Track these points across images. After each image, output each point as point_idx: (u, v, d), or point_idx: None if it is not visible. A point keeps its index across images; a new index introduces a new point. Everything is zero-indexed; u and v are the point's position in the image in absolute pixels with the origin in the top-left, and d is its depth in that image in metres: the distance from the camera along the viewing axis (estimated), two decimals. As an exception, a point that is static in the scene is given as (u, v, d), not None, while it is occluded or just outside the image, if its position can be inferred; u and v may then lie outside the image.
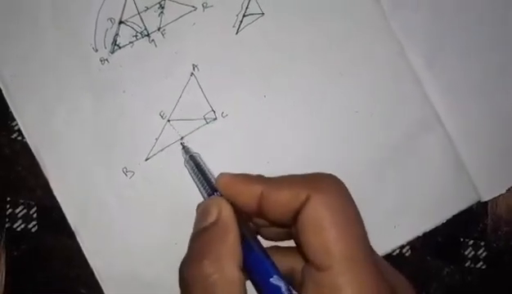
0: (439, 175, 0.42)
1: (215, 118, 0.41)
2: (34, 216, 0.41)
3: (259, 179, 0.33)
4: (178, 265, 0.40)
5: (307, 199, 0.30)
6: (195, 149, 0.41)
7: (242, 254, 0.31)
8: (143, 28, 0.41)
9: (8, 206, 0.41)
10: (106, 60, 0.41)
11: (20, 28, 0.41)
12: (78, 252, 0.40)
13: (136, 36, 0.41)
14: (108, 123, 0.41)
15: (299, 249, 0.31)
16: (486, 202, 0.43)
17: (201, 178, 0.37)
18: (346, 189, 0.32)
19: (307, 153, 0.42)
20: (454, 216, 0.42)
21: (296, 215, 0.31)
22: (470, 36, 0.42)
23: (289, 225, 0.32)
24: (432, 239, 0.42)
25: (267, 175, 0.40)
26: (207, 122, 0.41)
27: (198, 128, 0.41)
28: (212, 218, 0.32)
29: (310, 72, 0.42)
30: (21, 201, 0.41)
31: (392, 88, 0.42)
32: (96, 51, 0.41)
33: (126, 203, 0.41)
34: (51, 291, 0.41)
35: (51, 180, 0.41)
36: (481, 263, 0.43)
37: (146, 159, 0.41)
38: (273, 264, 0.32)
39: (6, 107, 0.41)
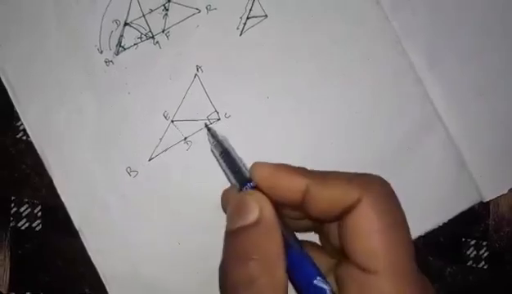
0: (441, 176, 0.42)
1: (218, 119, 0.42)
2: (39, 214, 0.42)
3: (305, 172, 0.32)
4: (182, 264, 0.41)
5: (359, 200, 0.29)
6: (198, 149, 0.41)
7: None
8: (148, 30, 0.42)
9: (13, 205, 0.41)
10: (111, 61, 0.42)
11: (25, 29, 0.41)
12: (82, 251, 0.41)
13: (140, 38, 0.42)
14: (112, 124, 0.41)
15: (341, 247, 0.31)
16: (488, 202, 0.43)
17: (232, 166, 0.35)
18: (394, 193, 0.31)
19: (309, 154, 0.42)
20: (456, 216, 0.42)
21: (343, 213, 0.30)
22: (471, 36, 0.43)
23: (330, 221, 0.31)
24: (434, 239, 0.42)
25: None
26: (210, 123, 0.42)
27: (201, 129, 0.42)
28: (253, 216, 0.30)
29: (312, 73, 0.42)
30: (26, 200, 0.42)
31: (394, 89, 0.42)
32: (101, 52, 0.42)
33: (130, 203, 0.41)
34: (54, 289, 0.41)
35: (56, 180, 0.41)
36: (483, 263, 0.43)
37: (150, 159, 0.41)
38: (315, 265, 0.31)
39: (12, 107, 0.41)
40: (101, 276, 0.41)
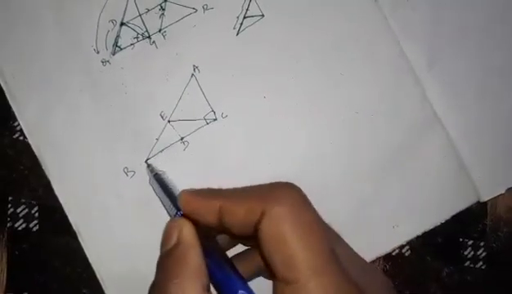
0: (439, 176, 0.42)
1: (215, 119, 0.42)
2: (36, 215, 0.42)
3: (218, 192, 0.32)
4: (178, 264, 0.41)
5: (263, 214, 0.29)
6: (194, 149, 0.41)
7: (207, 272, 0.30)
8: (144, 29, 0.42)
9: (10, 205, 0.41)
10: (108, 61, 0.42)
11: (23, 29, 0.41)
12: (79, 252, 0.41)
13: (137, 37, 0.42)
14: (109, 124, 0.41)
15: (265, 264, 0.30)
16: (485, 203, 0.42)
17: (166, 198, 0.37)
18: (303, 197, 0.30)
19: (308, 154, 0.42)
20: (454, 216, 0.42)
21: (256, 229, 0.29)
22: (471, 37, 0.43)
23: (252, 239, 0.31)
24: (431, 239, 0.42)
25: (267, 175, 0.40)
26: (207, 123, 0.42)
27: (198, 129, 0.42)
28: (173, 240, 0.31)
29: (310, 73, 0.42)
30: (23, 200, 0.42)
31: (393, 89, 0.42)
32: (98, 52, 0.42)
33: (127, 203, 0.41)
34: (51, 290, 0.41)
35: (53, 180, 0.41)
36: (480, 263, 0.43)
37: (147, 159, 0.41)
38: (240, 277, 0.30)
39: (9, 107, 0.41)
40: (98, 276, 0.41)
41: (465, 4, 0.43)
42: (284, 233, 0.28)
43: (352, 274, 0.29)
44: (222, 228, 0.32)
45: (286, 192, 0.30)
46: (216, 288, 0.31)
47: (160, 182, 0.37)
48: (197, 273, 0.30)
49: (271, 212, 0.29)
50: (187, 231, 0.31)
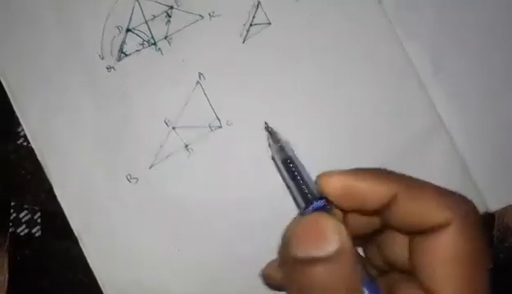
0: (444, 184, 0.41)
1: (220, 126, 0.42)
2: (38, 220, 0.41)
3: (392, 177, 0.29)
4: (181, 271, 0.41)
5: (448, 223, 0.27)
6: (199, 156, 0.41)
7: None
8: (150, 36, 0.42)
9: (12, 210, 0.41)
10: (113, 67, 0.41)
11: (27, 35, 0.41)
12: (81, 258, 0.40)
13: (142, 44, 0.42)
14: (113, 130, 0.41)
15: (407, 261, 0.29)
16: (493, 213, 0.42)
17: (296, 179, 0.31)
18: (480, 218, 0.29)
19: (313, 161, 0.41)
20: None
21: (427, 230, 0.28)
22: (476, 41, 0.42)
23: (411, 234, 0.29)
24: None
25: (271, 183, 0.40)
26: (212, 130, 0.41)
27: (203, 136, 0.41)
28: (332, 248, 0.26)
29: (316, 81, 0.42)
30: (25, 206, 0.41)
31: (397, 92, 0.42)
32: (103, 58, 0.41)
33: (129, 210, 0.41)
34: (53, 296, 0.41)
35: (56, 186, 0.41)
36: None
37: (151, 166, 0.41)
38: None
39: (12, 113, 0.41)
40: (100, 282, 0.40)
41: (471, 8, 0.42)
42: (458, 251, 0.27)
43: None
44: (375, 214, 0.29)
45: (471, 209, 0.28)
46: None
47: (287, 156, 0.32)
48: (361, 290, 0.27)
49: (457, 225, 0.27)
50: (349, 241, 0.26)
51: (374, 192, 0.28)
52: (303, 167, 0.31)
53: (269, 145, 0.34)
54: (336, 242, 0.26)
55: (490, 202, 0.41)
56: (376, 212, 0.29)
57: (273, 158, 0.33)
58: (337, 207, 0.28)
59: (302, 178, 0.30)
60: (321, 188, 0.29)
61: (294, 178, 0.30)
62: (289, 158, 0.31)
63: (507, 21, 0.43)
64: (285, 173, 0.31)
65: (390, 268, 0.31)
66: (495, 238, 0.43)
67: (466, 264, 0.27)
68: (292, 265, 0.27)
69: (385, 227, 0.30)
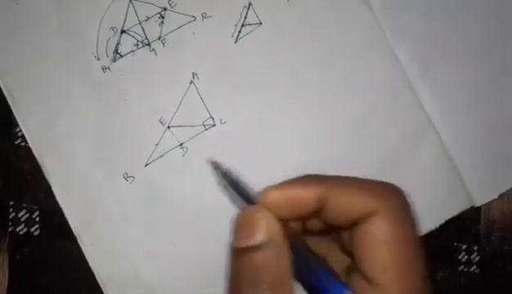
0: (433, 181, 0.42)
1: (214, 125, 0.42)
2: (37, 220, 0.42)
3: (320, 179, 0.30)
4: (178, 267, 0.41)
5: (375, 211, 0.28)
6: (193, 155, 0.42)
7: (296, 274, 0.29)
8: (144, 37, 0.42)
9: (11, 210, 0.42)
10: (108, 68, 0.42)
11: (24, 36, 0.42)
12: (80, 256, 0.41)
13: (137, 45, 0.42)
14: (109, 129, 0.42)
15: (352, 256, 0.30)
16: (479, 208, 0.43)
17: (241, 197, 0.32)
18: (410, 204, 0.30)
19: (305, 160, 0.42)
20: (448, 221, 0.42)
21: (357, 221, 0.29)
22: (463, 43, 0.43)
23: (344, 228, 0.30)
24: (426, 243, 0.42)
25: (264, 182, 0.41)
26: (206, 129, 0.42)
27: (197, 134, 0.42)
28: (261, 235, 0.28)
29: (306, 79, 0.43)
30: (24, 205, 0.42)
31: (387, 95, 0.43)
32: (98, 59, 0.42)
33: (126, 208, 0.42)
34: None
35: (54, 185, 0.41)
36: (474, 267, 0.44)
37: (146, 165, 0.42)
38: (338, 278, 0.30)
39: (11, 113, 0.42)
40: (99, 280, 0.41)
41: (458, 12, 0.43)
42: (388, 234, 0.28)
43: None
44: (313, 216, 0.30)
45: (398, 195, 0.30)
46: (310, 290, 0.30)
47: (231, 180, 0.33)
48: (291, 278, 0.28)
49: (384, 214, 0.28)
50: (277, 226, 0.29)
51: (304, 196, 0.30)
52: (246, 185, 0.33)
53: (214, 175, 0.35)
54: (264, 232, 0.28)
55: (476, 197, 0.42)
56: (314, 215, 0.30)
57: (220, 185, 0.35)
58: (278, 217, 0.30)
59: (246, 194, 0.32)
60: (262, 201, 0.30)
61: (239, 196, 0.32)
62: (233, 181, 0.33)
63: (495, 23, 0.43)
64: (232, 193, 0.33)
65: (348, 265, 0.32)
66: (481, 232, 0.44)
67: (396, 248, 0.28)
68: (234, 255, 0.29)
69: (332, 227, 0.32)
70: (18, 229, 0.42)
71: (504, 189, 0.43)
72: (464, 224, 0.44)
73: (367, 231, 0.28)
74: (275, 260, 0.28)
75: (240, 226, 0.30)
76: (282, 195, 0.30)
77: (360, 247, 0.29)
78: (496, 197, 0.42)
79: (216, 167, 0.35)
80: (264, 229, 0.28)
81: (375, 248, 0.28)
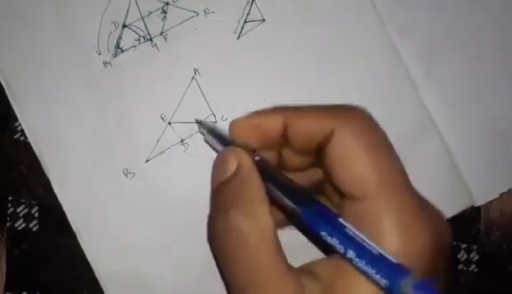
0: (433, 180, 0.43)
1: (215, 122, 0.42)
2: (36, 215, 0.42)
3: (280, 109, 0.32)
4: (178, 264, 0.41)
5: (334, 131, 0.29)
6: (194, 151, 0.42)
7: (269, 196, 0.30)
8: (146, 32, 0.42)
9: (10, 205, 0.42)
10: (109, 63, 0.42)
11: (23, 30, 0.41)
12: (79, 252, 0.41)
13: (139, 40, 0.42)
14: (110, 125, 0.42)
15: (330, 181, 0.31)
16: (479, 207, 0.43)
17: (217, 139, 0.36)
18: (375, 120, 0.31)
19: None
20: (447, 220, 0.42)
21: (323, 146, 0.30)
22: (467, 42, 0.43)
23: (315, 155, 0.32)
24: None
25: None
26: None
27: (198, 131, 0.42)
28: (232, 168, 0.31)
29: (309, 77, 0.43)
30: (23, 200, 0.42)
31: (389, 93, 0.43)
32: (100, 54, 0.42)
33: (126, 204, 0.41)
34: (51, 289, 0.42)
35: (53, 180, 0.41)
36: (473, 266, 0.44)
37: (147, 161, 0.42)
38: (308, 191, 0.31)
39: (10, 107, 0.41)
40: (97, 276, 0.41)
41: (462, 11, 0.43)
42: (354, 150, 0.29)
43: (423, 204, 0.30)
44: (278, 146, 0.32)
45: (358, 112, 0.31)
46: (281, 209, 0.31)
47: (214, 133, 0.37)
48: (262, 199, 0.30)
49: (343, 130, 0.29)
50: (244, 159, 0.31)
51: (268, 123, 0.32)
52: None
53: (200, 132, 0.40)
54: (234, 163, 0.31)
55: (476, 197, 0.43)
56: (284, 143, 0.32)
57: (206, 141, 0.39)
58: (248, 146, 0.32)
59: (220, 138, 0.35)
60: (232, 132, 0.33)
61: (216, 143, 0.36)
62: (210, 128, 0.37)
63: (500, 22, 0.44)
64: (211, 140, 0.37)
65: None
66: (480, 232, 0.44)
67: (364, 156, 0.29)
68: (211, 196, 0.33)
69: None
70: (16, 225, 0.42)
71: (504, 189, 0.43)
72: (464, 224, 0.44)
73: (332, 150, 0.30)
74: (243, 186, 0.30)
75: (215, 167, 0.33)
76: (247, 124, 0.33)
77: (332, 169, 0.30)
78: (497, 196, 0.43)
79: (200, 123, 0.40)
80: (234, 162, 0.31)
81: (344, 164, 0.29)
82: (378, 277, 0.27)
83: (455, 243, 0.44)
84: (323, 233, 0.29)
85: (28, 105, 0.41)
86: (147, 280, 0.41)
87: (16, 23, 0.41)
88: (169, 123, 0.42)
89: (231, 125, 0.34)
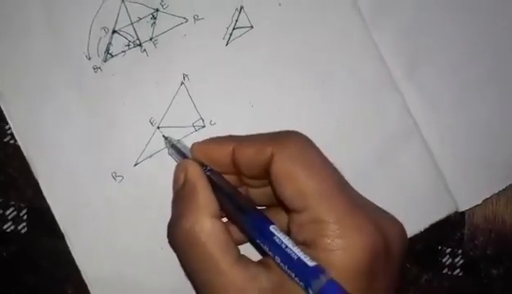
0: (418, 185, 0.43)
1: (203, 126, 0.43)
2: (24, 217, 0.42)
3: (230, 137, 0.37)
4: (165, 268, 0.41)
5: (274, 154, 0.33)
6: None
7: (218, 205, 0.34)
8: (136, 37, 0.43)
9: (-1, 207, 0.42)
10: (99, 68, 0.42)
11: (15, 34, 0.42)
12: (67, 254, 0.41)
13: (128, 45, 0.43)
14: (99, 129, 0.42)
15: (279, 202, 0.34)
16: (463, 212, 0.44)
17: (178, 154, 0.40)
18: (309, 141, 0.34)
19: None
20: (432, 225, 0.43)
21: (267, 168, 0.33)
22: (450, 47, 0.44)
23: (262, 178, 0.35)
24: (411, 247, 0.43)
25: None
26: (195, 130, 0.43)
27: (187, 135, 0.42)
28: (181, 180, 0.35)
29: (295, 83, 0.43)
30: (12, 202, 0.42)
31: (373, 97, 0.43)
32: (90, 59, 0.42)
33: (115, 207, 0.42)
34: (39, 291, 0.42)
35: (42, 183, 0.41)
36: (458, 270, 0.44)
37: (135, 164, 0.42)
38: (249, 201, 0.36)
39: (0, 110, 0.42)
40: (85, 278, 0.41)
41: (445, 16, 0.44)
42: (293, 170, 0.32)
43: (363, 207, 0.33)
44: (233, 170, 0.36)
45: (294, 136, 0.35)
46: (230, 216, 0.36)
47: (176, 149, 0.40)
48: (205, 205, 0.34)
49: (282, 152, 0.33)
50: (192, 169, 0.35)
51: (217, 151, 0.36)
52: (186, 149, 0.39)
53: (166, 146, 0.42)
54: (182, 176, 0.35)
55: (460, 202, 0.43)
56: (235, 168, 0.36)
57: (169, 154, 0.42)
58: (203, 165, 0.36)
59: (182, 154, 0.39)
60: (192, 154, 0.37)
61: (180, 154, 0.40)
62: (179, 150, 0.40)
63: (482, 26, 0.44)
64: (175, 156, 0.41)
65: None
66: (465, 237, 0.45)
67: (299, 175, 0.32)
68: (171, 205, 0.37)
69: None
70: (5, 227, 0.42)
71: (487, 195, 0.44)
72: (449, 229, 0.44)
73: (274, 171, 0.33)
74: (189, 194, 0.34)
75: (173, 181, 0.37)
76: (203, 148, 0.37)
77: (275, 186, 0.33)
78: (481, 202, 0.43)
79: (166, 138, 0.42)
80: (182, 175, 0.36)
81: (283, 183, 0.32)
82: (297, 279, 0.30)
83: (439, 247, 0.44)
84: (258, 241, 0.32)
85: (17, 109, 0.42)
86: (133, 285, 0.42)
87: (6, 28, 0.42)
88: (158, 127, 0.42)
89: (192, 147, 0.38)
